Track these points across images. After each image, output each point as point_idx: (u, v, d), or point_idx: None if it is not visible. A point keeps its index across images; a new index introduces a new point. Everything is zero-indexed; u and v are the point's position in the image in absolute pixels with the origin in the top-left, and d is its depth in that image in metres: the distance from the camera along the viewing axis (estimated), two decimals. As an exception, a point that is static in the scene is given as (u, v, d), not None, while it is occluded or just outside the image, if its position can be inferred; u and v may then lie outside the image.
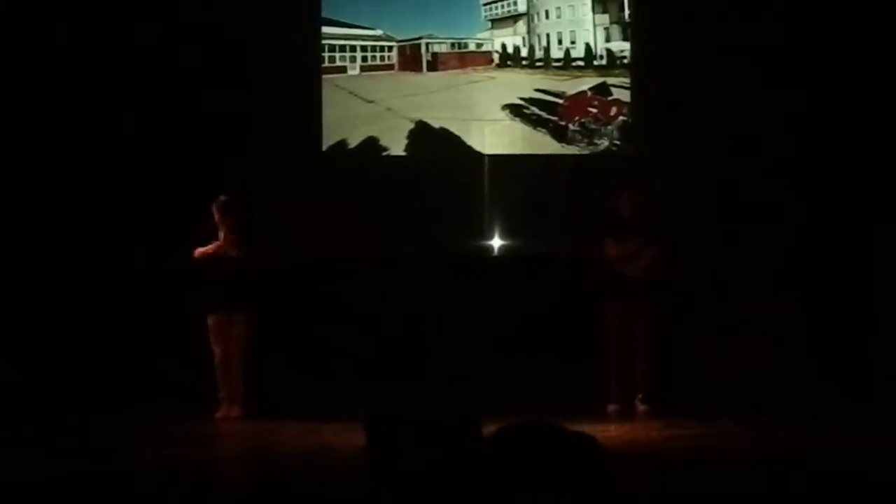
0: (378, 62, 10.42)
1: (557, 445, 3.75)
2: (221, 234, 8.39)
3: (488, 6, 10.44)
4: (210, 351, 8.32)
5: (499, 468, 3.67)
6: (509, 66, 10.42)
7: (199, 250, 8.34)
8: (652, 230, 8.56)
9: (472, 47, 10.46)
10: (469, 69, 10.43)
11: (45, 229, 9.50)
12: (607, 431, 7.50)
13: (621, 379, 8.37)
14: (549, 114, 10.34)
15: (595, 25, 10.40)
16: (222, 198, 8.46)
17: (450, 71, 10.44)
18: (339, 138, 10.32)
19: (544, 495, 3.57)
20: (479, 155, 10.25)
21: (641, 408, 8.32)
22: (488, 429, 4.54)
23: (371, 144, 10.31)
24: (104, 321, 9.48)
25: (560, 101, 10.35)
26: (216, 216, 8.40)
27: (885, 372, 9.18)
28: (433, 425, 4.89)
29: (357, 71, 10.42)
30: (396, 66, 10.44)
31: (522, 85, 10.37)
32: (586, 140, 10.35)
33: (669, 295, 8.58)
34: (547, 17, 10.43)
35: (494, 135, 10.32)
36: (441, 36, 10.44)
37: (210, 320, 8.33)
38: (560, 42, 10.41)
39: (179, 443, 7.40)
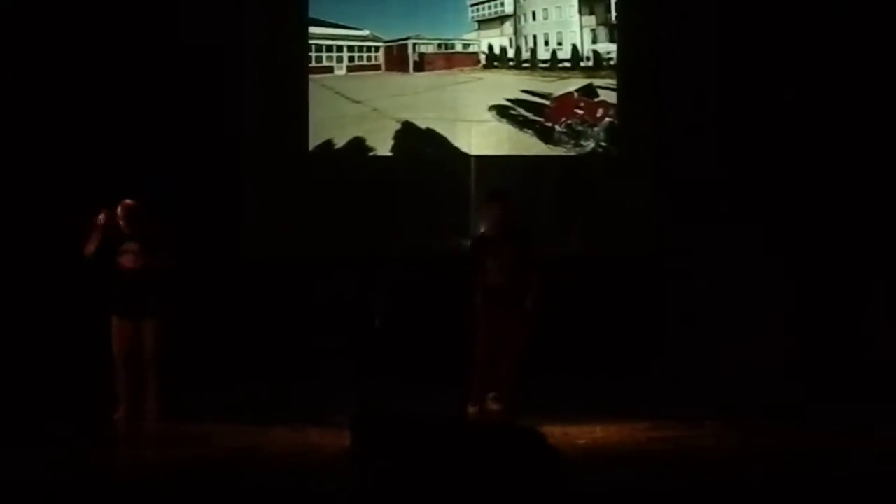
0: (365, 62, 10.42)
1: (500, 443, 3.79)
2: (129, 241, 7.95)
3: (475, 7, 10.45)
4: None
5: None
6: (496, 66, 10.43)
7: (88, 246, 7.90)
8: (521, 243, 8.36)
9: (458, 48, 10.48)
10: (456, 70, 10.44)
11: (44, 229, 9.46)
12: (592, 433, 7.52)
13: (484, 382, 8.34)
14: (535, 115, 10.36)
15: (582, 27, 10.42)
16: (128, 202, 7.94)
17: (437, 71, 10.44)
18: (325, 138, 10.32)
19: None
20: (466, 156, 10.26)
21: (494, 406, 8.31)
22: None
23: (358, 144, 10.32)
24: (103, 321, 9.46)
25: (547, 102, 10.37)
26: (121, 221, 7.91)
27: (875, 373, 9.22)
28: (418, 426, 4.91)
29: (344, 71, 10.42)
30: (383, 67, 10.44)
31: (509, 86, 10.38)
32: (573, 141, 10.37)
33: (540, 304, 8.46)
34: (534, 18, 10.45)
35: (481, 136, 10.33)
36: (428, 36, 10.45)
37: (114, 321, 8.01)
38: (547, 43, 10.43)
39: (166, 442, 7.39)
